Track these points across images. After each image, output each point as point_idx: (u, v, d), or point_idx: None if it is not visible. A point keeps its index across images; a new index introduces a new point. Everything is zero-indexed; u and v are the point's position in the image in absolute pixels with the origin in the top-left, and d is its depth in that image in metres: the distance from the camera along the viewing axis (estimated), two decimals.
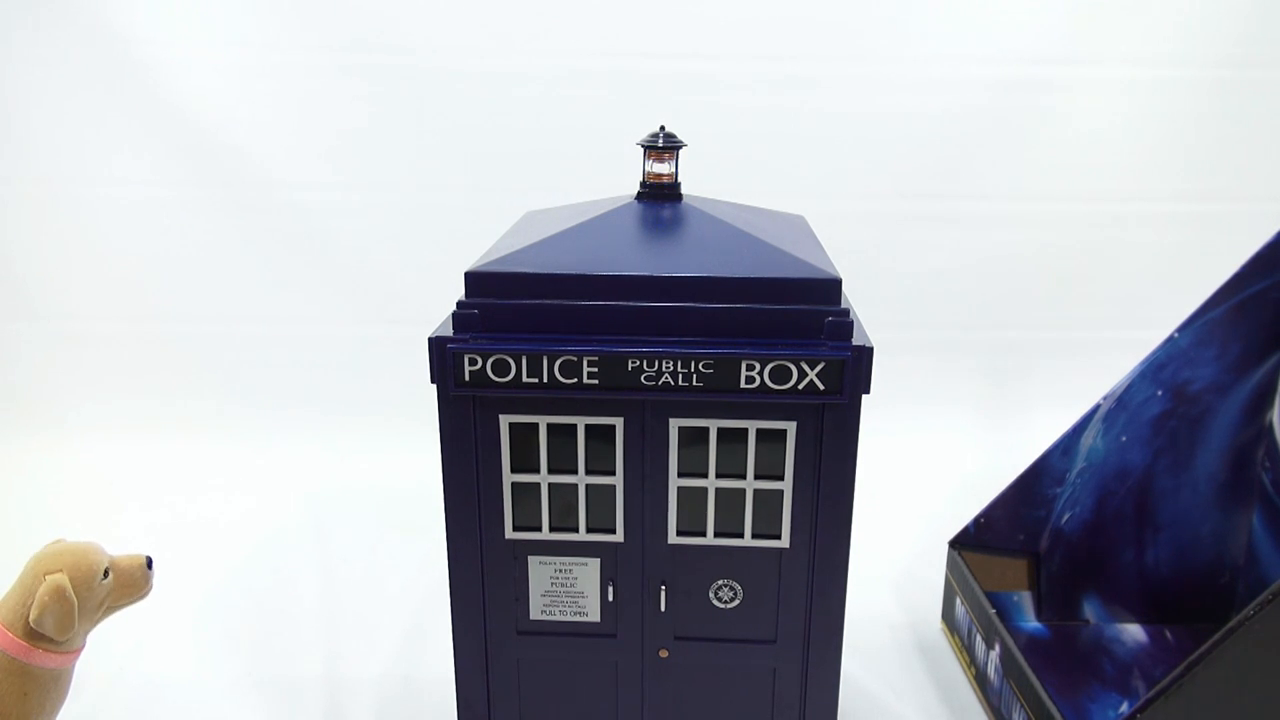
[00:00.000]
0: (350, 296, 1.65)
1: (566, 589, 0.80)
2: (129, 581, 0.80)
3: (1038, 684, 0.88)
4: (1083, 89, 1.58)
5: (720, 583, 0.79)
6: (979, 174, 1.61)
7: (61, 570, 0.76)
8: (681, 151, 0.84)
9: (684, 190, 0.85)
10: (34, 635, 0.75)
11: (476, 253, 0.80)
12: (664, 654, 0.81)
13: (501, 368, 0.72)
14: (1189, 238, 1.64)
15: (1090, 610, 1.12)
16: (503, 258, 0.75)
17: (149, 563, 0.81)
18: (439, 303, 0.82)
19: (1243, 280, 1.01)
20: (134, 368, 1.65)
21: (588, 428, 0.75)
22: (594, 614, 0.80)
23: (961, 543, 1.11)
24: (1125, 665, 1.06)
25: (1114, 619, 1.12)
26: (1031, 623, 1.11)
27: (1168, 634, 1.10)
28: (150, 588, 0.82)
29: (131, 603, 0.81)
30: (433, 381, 0.74)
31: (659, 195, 0.84)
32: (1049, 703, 0.85)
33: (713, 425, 0.75)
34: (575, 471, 0.76)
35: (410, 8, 1.53)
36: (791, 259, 0.75)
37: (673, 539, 0.78)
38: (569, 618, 0.80)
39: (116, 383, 1.65)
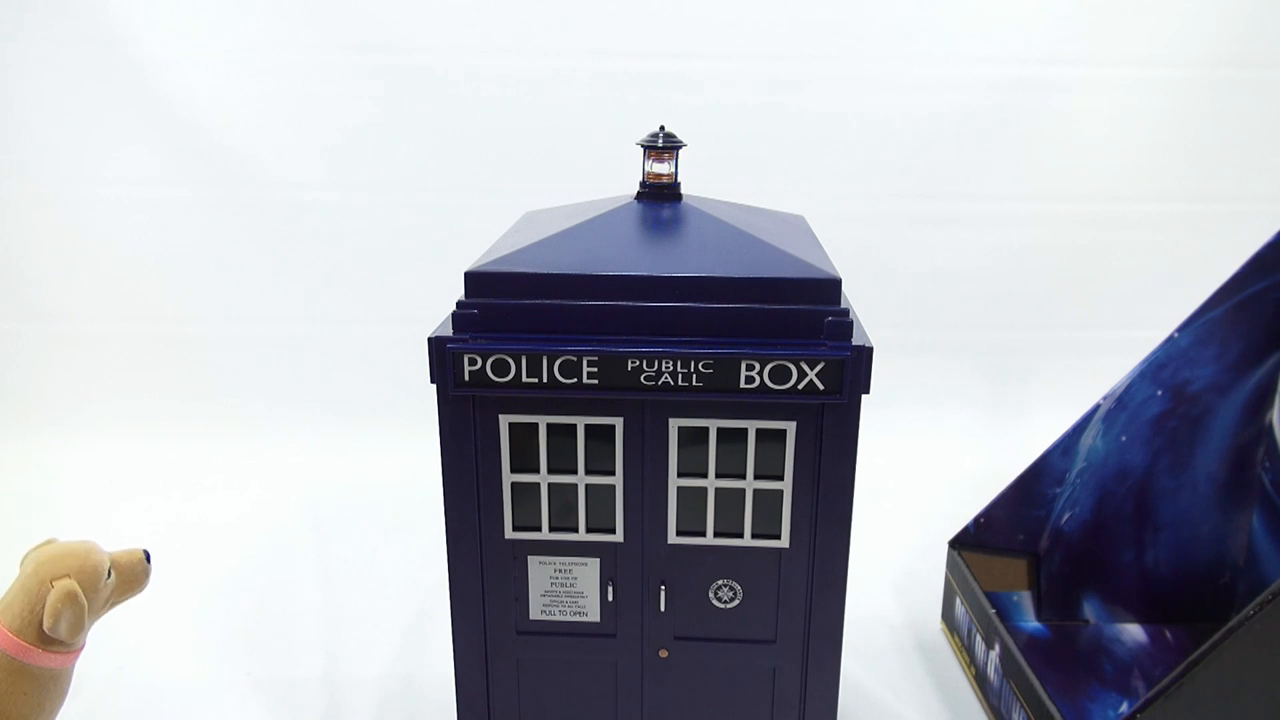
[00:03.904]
0: (350, 296, 1.65)
1: (566, 589, 0.80)
2: (130, 577, 0.81)
3: (1038, 684, 0.88)
4: (1083, 89, 1.57)
5: (720, 583, 0.79)
6: (979, 174, 1.61)
7: (68, 575, 0.76)
8: (681, 151, 0.84)
9: (684, 190, 0.85)
10: (46, 640, 0.76)
11: (476, 253, 0.80)
12: (664, 654, 0.81)
13: (501, 368, 0.72)
14: (1189, 238, 1.64)
15: (1090, 610, 1.12)
16: (502, 258, 0.75)
17: (147, 556, 0.82)
18: (439, 303, 0.82)
19: (1243, 280, 1.01)
20: (134, 368, 1.65)
21: (587, 428, 0.75)
22: (594, 614, 0.80)
23: (961, 543, 1.11)
24: (1125, 665, 1.06)
25: (1114, 619, 1.12)
26: (1031, 623, 1.11)
27: (1168, 634, 1.10)
28: (149, 581, 0.82)
29: (131, 596, 0.82)
30: (432, 381, 0.74)
31: (659, 195, 0.84)
32: (1049, 703, 0.85)
33: (712, 425, 0.75)
34: (575, 471, 0.76)
35: (410, 8, 1.53)
36: (791, 259, 0.75)
37: (672, 539, 0.78)
38: (569, 618, 0.80)
39: (116, 383, 1.65)
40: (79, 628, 0.76)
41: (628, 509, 0.77)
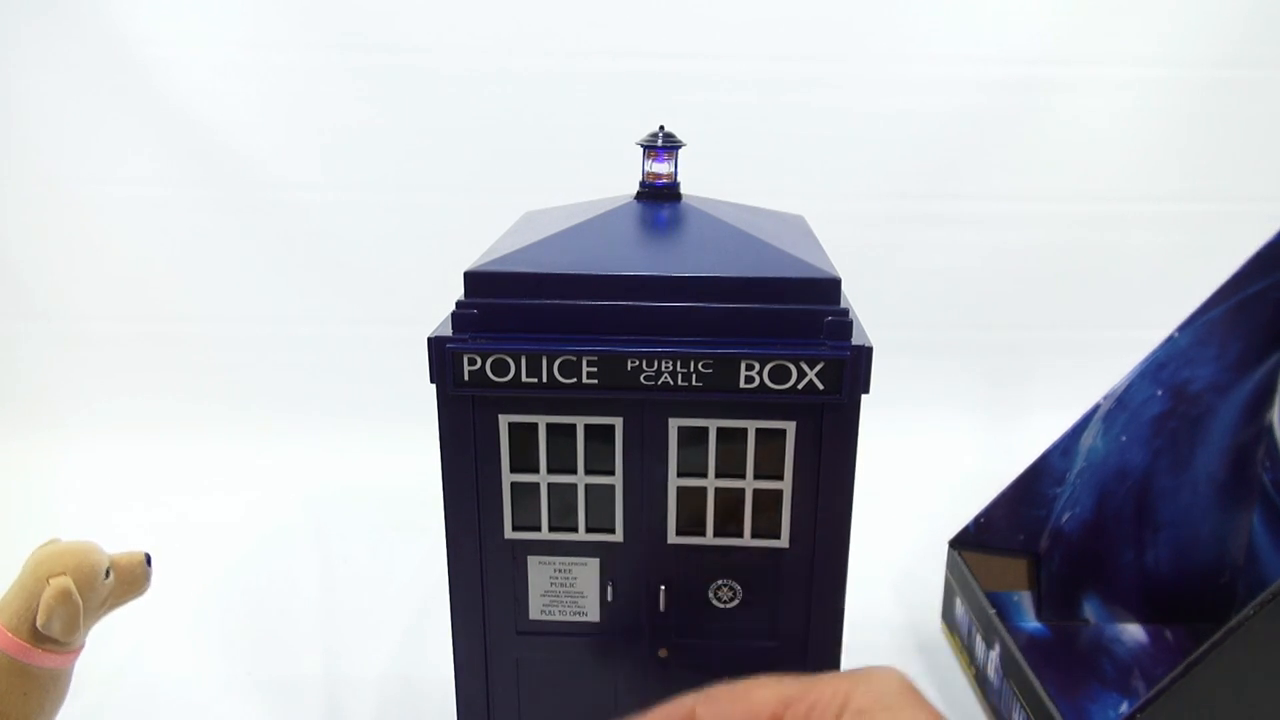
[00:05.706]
0: (350, 296, 1.65)
1: (566, 589, 0.79)
2: (129, 579, 0.81)
3: (1038, 684, 0.88)
4: (1082, 89, 1.57)
5: (720, 583, 0.79)
6: (979, 174, 1.61)
7: (65, 572, 0.76)
8: (681, 151, 0.84)
9: (684, 190, 0.85)
10: (40, 637, 0.76)
11: (476, 253, 0.80)
12: (664, 654, 0.81)
13: (501, 367, 0.72)
14: (1189, 238, 1.64)
15: (1090, 610, 1.12)
16: (502, 257, 0.75)
17: (148, 559, 0.81)
18: (439, 303, 0.82)
19: (1243, 280, 1.01)
20: (135, 368, 1.65)
21: (587, 428, 0.75)
22: (593, 614, 0.80)
23: (961, 542, 1.10)
24: (1125, 665, 1.06)
25: (1114, 619, 1.12)
26: (1031, 623, 1.11)
27: (1168, 634, 1.10)
28: (149, 584, 0.82)
29: (131, 599, 0.82)
30: (432, 381, 0.74)
31: (658, 195, 0.83)
32: (1049, 703, 0.85)
33: (712, 425, 0.75)
34: (574, 471, 0.76)
35: (410, 8, 1.53)
36: (791, 259, 0.75)
37: (672, 539, 0.78)
38: (568, 617, 0.80)
39: (116, 383, 1.65)
40: (73, 626, 0.76)
41: (627, 509, 0.77)
